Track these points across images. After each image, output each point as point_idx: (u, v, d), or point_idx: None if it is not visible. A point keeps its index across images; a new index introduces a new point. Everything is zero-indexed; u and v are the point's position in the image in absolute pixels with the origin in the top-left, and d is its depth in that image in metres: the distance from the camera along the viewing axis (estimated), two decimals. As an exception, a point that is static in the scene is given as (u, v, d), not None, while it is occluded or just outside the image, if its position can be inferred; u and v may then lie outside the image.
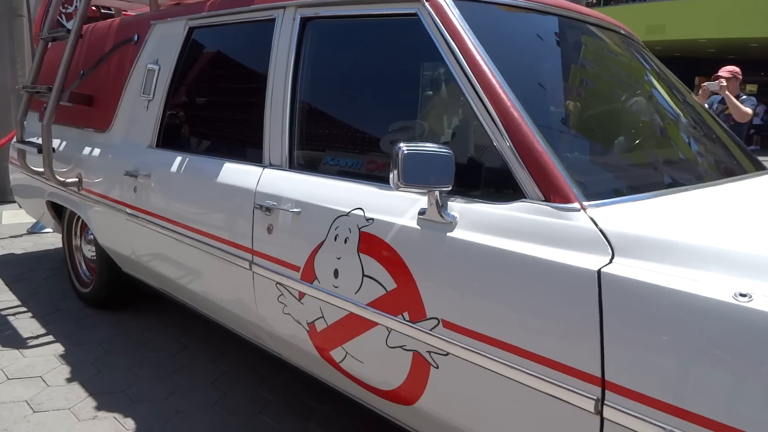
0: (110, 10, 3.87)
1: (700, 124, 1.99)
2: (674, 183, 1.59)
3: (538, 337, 1.28)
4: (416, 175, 1.43)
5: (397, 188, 1.45)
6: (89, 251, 3.44)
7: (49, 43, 3.37)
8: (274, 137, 2.04)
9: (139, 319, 3.27)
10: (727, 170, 1.82)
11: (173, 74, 2.64)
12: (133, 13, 3.57)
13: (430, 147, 1.44)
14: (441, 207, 1.48)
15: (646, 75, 2.05)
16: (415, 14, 1.70)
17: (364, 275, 1.64)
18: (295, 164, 1.99)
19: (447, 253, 1.46)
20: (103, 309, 3.36)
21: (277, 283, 1.92)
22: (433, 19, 1.65)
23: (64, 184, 3.08)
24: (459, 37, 1.59)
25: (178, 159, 2.44)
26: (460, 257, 1.43)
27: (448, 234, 1.47)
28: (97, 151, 3.02)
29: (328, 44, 2.01)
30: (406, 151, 1.42)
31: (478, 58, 1.54)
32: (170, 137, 2.66)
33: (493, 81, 1.50)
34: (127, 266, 3.04)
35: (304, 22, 2.05)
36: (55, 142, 3.29)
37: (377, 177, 1.72)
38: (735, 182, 1.66)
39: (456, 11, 1.65)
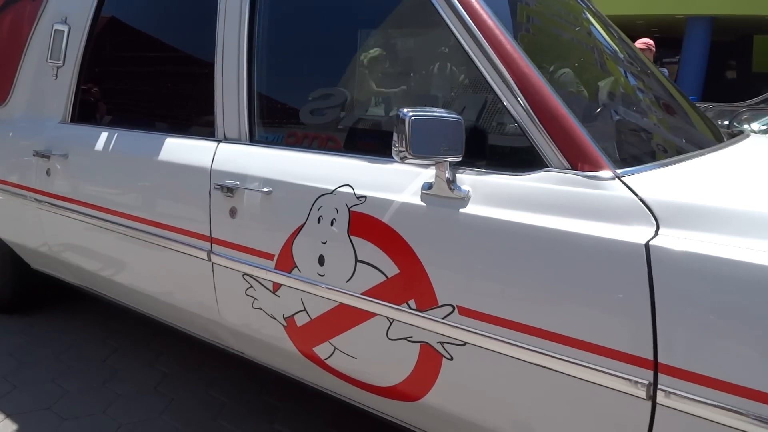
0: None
1: (670, 89, 1.95)
2: (685, 149, 1.52)
3: (577, 319, 1.15)
4: (425, 144, 1.23)
5: (403, 160, 1.25)
6: (-14, 247, 2.92)
7: None
8: (229, 107, 1.75)
9: (54, 322, 2.83)
10: (716, 136, 1.78)
11: (88, 35, 2.23)
12: None
13: (437, 112, 1.25)
14: (451, 180, 1.30)
15: (617, 40, 1.98)
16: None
17: (357, 261, 1.43)
18: (257, 137, 1.72)
19: (460, 231, 1.28)
20: (9, 313, 2.87)
21: (245, 274, 1.66)
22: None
23: (-51, 169, 2.56)
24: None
25: (104, 135, 2.07)
26: (476, 235, 1.26)
27: (461, 210, 1.29)
28: (-9, 129, 2.53)
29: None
30: (412, 117, 1.22)
31: (482, 12, 1.36)
32: (88, 111, 2.25)
33: (501, 37, 1.33)
34: (38, 262, 2.60)
35: (258, -28, 1.76)
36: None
37: (365, 149, 1.51)
38: (732, 146, 1.62)
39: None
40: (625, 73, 1.81)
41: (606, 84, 1.64)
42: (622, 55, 1.88)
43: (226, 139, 1.76)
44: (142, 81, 2.08)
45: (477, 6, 1.36)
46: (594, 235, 1.14)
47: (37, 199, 2.31)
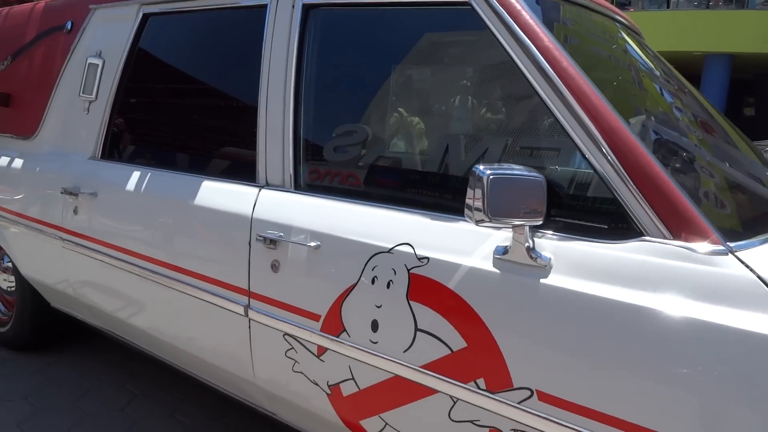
0: (28, -6, 3.22)
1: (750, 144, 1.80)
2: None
3: (687, 420, 0.98)
4: (503, 206, 1.09)
5: (479, 223, 1.10)
6: (6, 282, 2.79)
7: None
8: (272, 151, 1.62)
9: (72, 361, 2.67)
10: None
11: (123, 70, 2.13)
12: None
13: (518, 170, 1.11)
14: (532, 245, 1.15)
15: (687, 88, 1.83)
16: (467, 4, 1.36)
17: (417, 329, 1.27)
18: (303, 184, 1.58)
19: (542, 304, 1.13)
20: (26, 351, 2.73)
21: (286, 334, 1.51)
22: (496, 11, 1.30)
23: (-27, 202, 2.46)
24: (533, 32, 1.26)
25: (136, 175, 1.94)
26: (561, 310, 1.10)
27: (543, 280, 1.13)
28: (17, 162, 2.43)
29: (342, 37, 1.62)
30: (492, 176, 1.07)
31: (562, 58, 1.22)
32: (119, 147, 2.14)
33: (584, 86, 1.18)
34: (59, 301, 2.46)
35: (307, 9, 1.64)
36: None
37: (426, 203, 1.36)
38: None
39: (522, 1, 1.32)
40: (709, 127, 1.66)
41: (694, 139, 1.48)
42: (702, 107, 1.73)
43: (268, 185, 1.62)
44: (178, 119, 1.96)
45: (553, 49, 1.22)
46: (708, 320, 0.97)
47: (62, 237, 2.18)
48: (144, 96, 2.12)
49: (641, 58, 1.76)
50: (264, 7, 1.72)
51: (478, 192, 1.08)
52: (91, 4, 2.31)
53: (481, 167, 1.09)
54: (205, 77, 1.95)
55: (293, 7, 1.66)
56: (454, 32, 1.43)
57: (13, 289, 2.73)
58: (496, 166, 1.10)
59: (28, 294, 2.57)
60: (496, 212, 1.08)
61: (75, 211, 2.11)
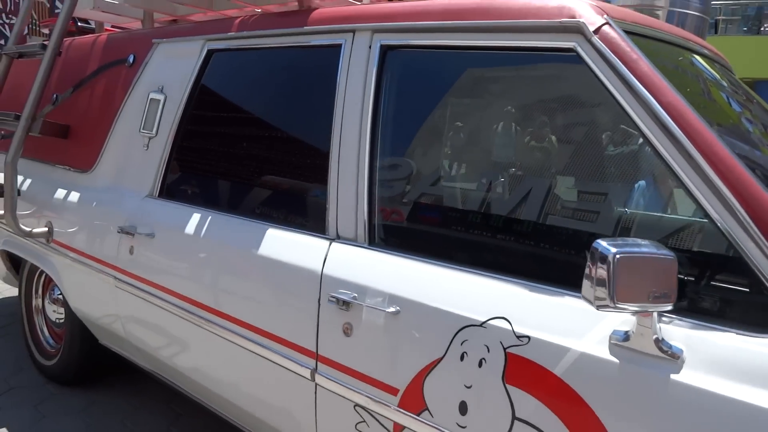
0: (89, 23, 3.23)
1: None
2: None
3: None
4: (630, 289, 0.93)
5: (601, 308, 0.94)
6: (55, 314, 2.73)
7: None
8: (344, 201, 1.50)
9: (116, 401, 2.58)
10: None
11: (185, 107, 2.06)
12: (121, 29, 2.95)
13: (645, 246, 0.95)
14: (660, 336, 0.99)
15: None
16: (571, 50, 1.22)
17: (515, 418, 1.11)
18: (379, 239, 1.45)
19: (671, 403, 0.96)
20: (71, 386, 2.65)
21: (357, 405, 1.37)
22: (606, 59, 1.17)
23: (30, 234, 2.40)
24: (651, 82, 1.11)
25: (196, 217, 1.85)
26: (695, 412, 0.93)
27: (673, 376, 0.97)
28: (74, 196, 2.37)
29: (425, 80, 1.50)
30: (618, 255, 0.92)
31: (687, 112, 1.07)
32: (180, 187, 2.06)
33: (717, 147, 1.03)
34: (107, 339, 2.38)
35: (385, 50, 1.53)
36: (19, 179, 2.61)
37: (527, 272, 1.21)
38: None
39: (633, 46, 1.18)
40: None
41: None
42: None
43: (339, 238, 1.50)
44: (242, 160, 1.87)
45: (678, 104, 1.07)
46: None
47: (115, 277, 2.10)
48: (206, 134, 2.04)
49: (739, 95, 1.59)
50: (338, 47, 1.62)
51: (601, 272, 0.93)
52: (155, 38, 2.26)
53: (604, 243, 0.94)
54: (272, 118, 1.85)
55: (370, 47, 1.55)
56: (555, 80, 1.30)
57: (62, 321, 2.67)
58: (620, 241, 0.95)
59: (76, 328, 2.50)
60: (622, 297, 0.93)
61: (130, 251, 2.03)
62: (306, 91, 1.73)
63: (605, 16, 1.22)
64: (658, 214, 1.14)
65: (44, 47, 2.37)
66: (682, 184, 1.05)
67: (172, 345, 1.94)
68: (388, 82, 1.52)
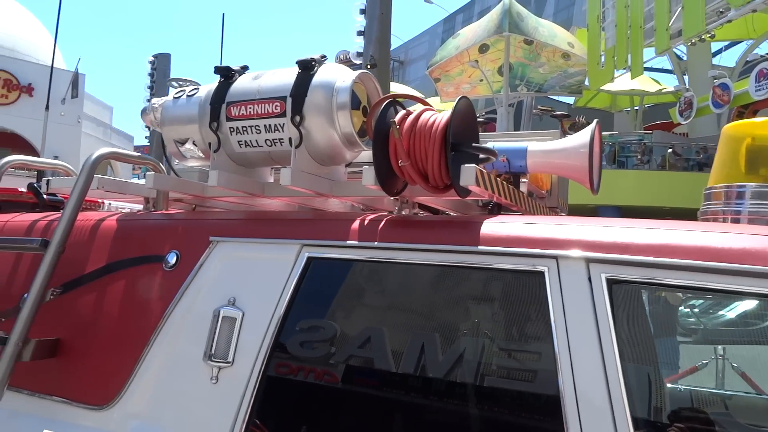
0: (56, 195, 2.52)
1: None
2: None
3: None
4: None
5: None
6: None
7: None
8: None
9: None
10: None
11: (278, 329, 1.56)
12: (136, 211, 2.27)
13: None
14: None
15: None
16: None
17: None
18: None
19: None
20: None
21: None
22: None
23: None
24: None
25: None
26: None
27: None
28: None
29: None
30: None
31: None
32: (273, 434, 1.51)
33: None
34: None
35: (611, 284, 1.27)
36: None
37: None
38: None
39: None
40: None
41: None
42: None
43: None
44: (366, 404, 1.41)
45: None
46: None
47: None
48: (310, 364, 1.55)
49: None
50: (540, 274, 1.33)
51: None
52: (212, 235, 1.76)
53: None
54: (420, 349, 1.44)
55: (590, 280, 1.28)
56: None
57: None
58: None
59: None
60: None
61: None
62: (491, 322, 1.38)
63: None
64: None
65: (46, 244, 1.74)
66: None
67: None
68: (624, 320, 1.25)
